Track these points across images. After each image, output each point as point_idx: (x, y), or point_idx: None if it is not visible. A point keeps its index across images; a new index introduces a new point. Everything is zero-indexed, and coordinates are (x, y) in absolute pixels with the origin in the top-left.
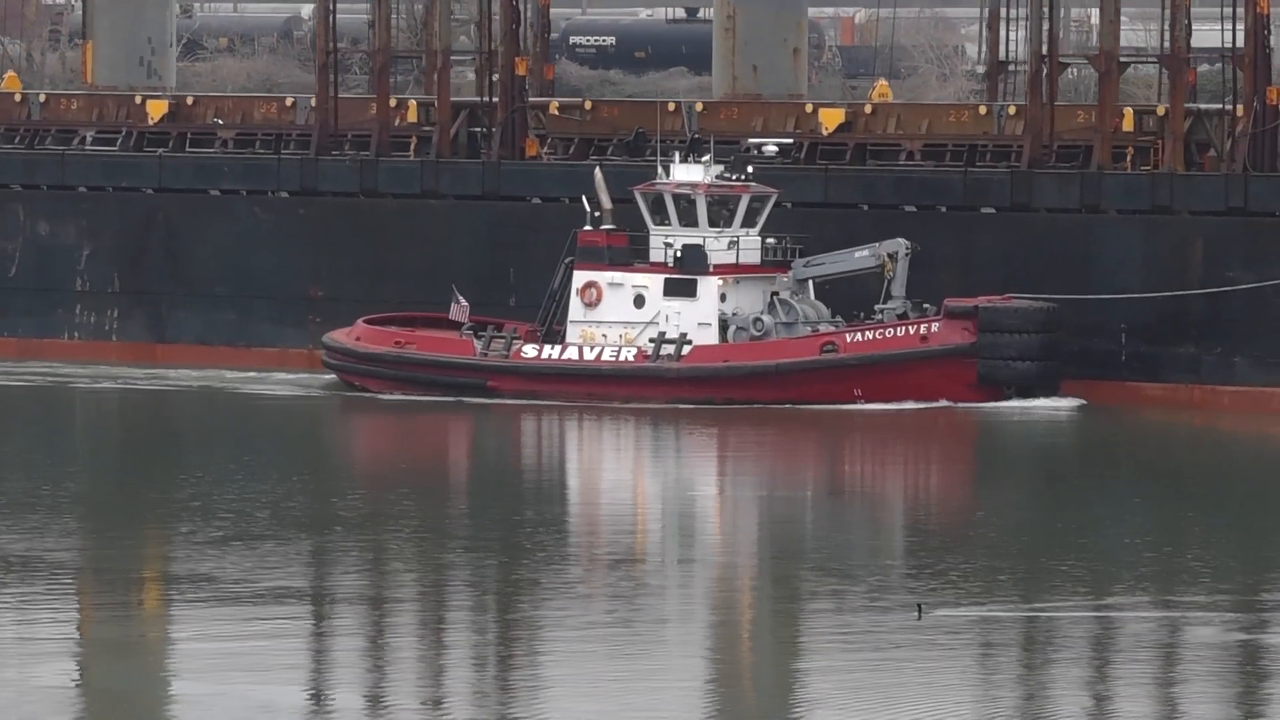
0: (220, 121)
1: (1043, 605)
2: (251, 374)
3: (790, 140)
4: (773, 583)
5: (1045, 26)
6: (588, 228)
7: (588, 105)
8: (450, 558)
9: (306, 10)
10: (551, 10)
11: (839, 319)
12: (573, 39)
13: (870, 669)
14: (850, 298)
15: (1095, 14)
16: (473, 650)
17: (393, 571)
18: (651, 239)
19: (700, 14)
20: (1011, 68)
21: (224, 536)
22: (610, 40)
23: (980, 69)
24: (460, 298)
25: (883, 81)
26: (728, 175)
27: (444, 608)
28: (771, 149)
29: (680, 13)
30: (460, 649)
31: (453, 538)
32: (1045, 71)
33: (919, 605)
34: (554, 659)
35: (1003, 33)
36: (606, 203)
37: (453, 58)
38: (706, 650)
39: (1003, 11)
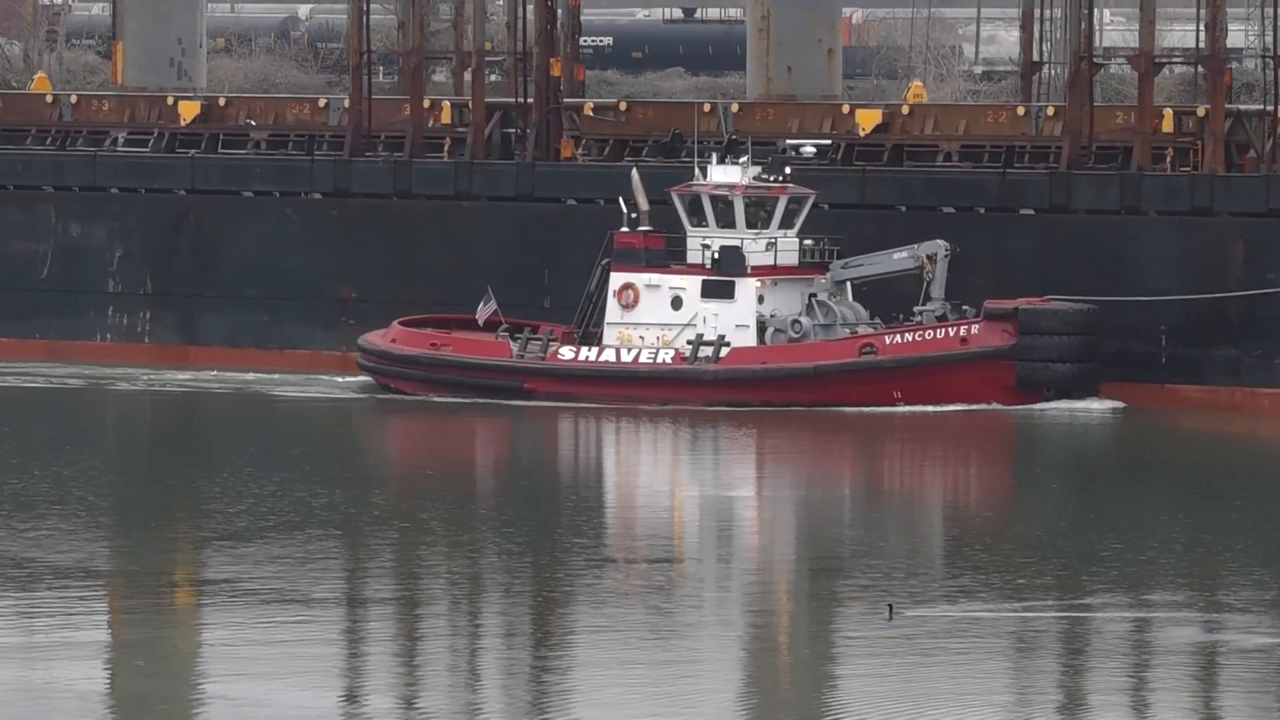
0: (253, 123)
1: (1070, 606)
2: (288, 376)
3: (828, 141)
4: (805, 588)
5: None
6: (624, 229)
7: (622, 106)
8: (485, 560)
9: (304, 10)
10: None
11: (877, 321)
12: None
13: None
14: (887, 299)
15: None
16: (506, 655)
17: (427, 574)
18: (689, 240)
19: (698, 14)
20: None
21: (268, 540)
22: (607, 40)
23: (978, 69)
24: (489, 298)
25: (917, 83)
26: (765, 176)
27: (478, 611)
28: (809, 150)
29: (677, 13)
30: (493, 653)
31: (488, 540)
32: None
33: (890, 606)
34: (586, 664)
35: (1035, 33)
36: (644, 204)
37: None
38: (740, 657)
39: (1036, 12)
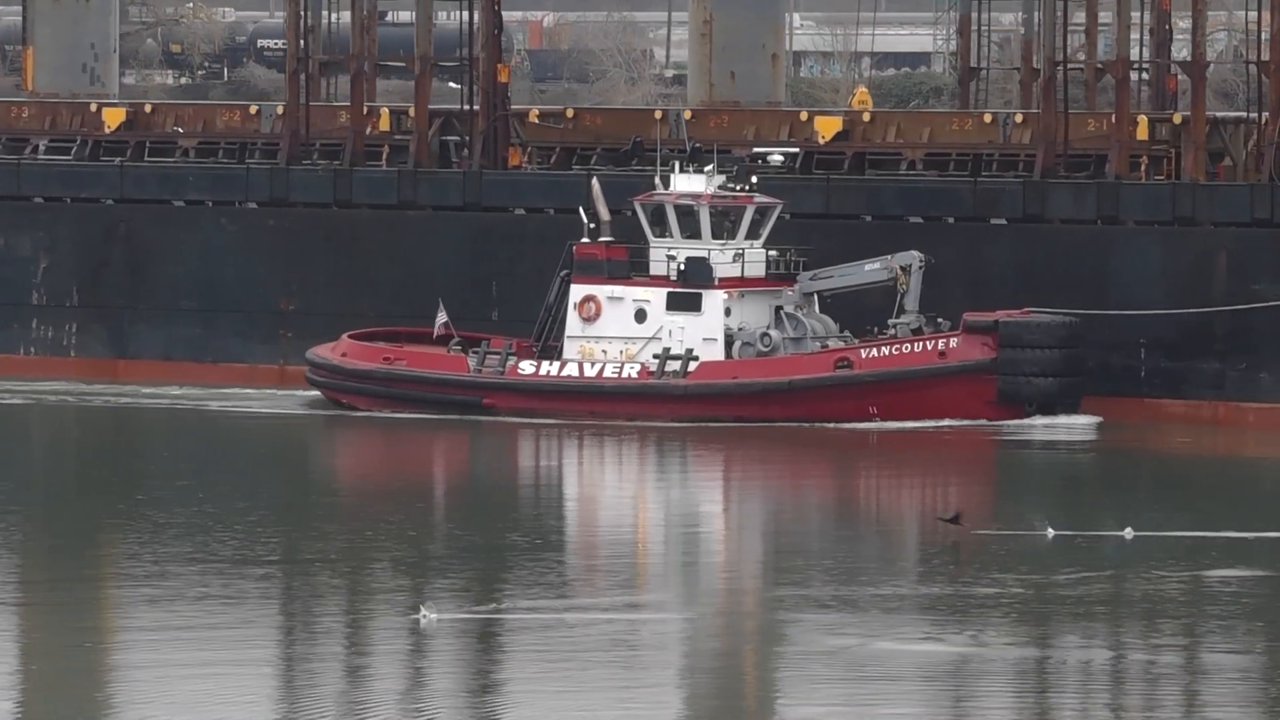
0: (181, 130)
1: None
2: (232, 390)
3: (796, 149)
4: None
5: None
6: (584, 239)
7: (569, 113)
8: (436, 582)
9: None
10: (238, 14)
11: (846, 333)
12: (261, 42)
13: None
14: (854, 312)
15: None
16: (453, 680)
17: (369, 596)
18: (652, 251)
19: (390, 17)
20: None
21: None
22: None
23: (669, 73)
24: (442, 310)
25: (862, 89)
26: (731, 186)
27: (419, 636)
28: (776, 158)
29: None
30: (438, 679)
31: (441, 562)
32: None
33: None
34: (531, 692)
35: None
36: (604, 214)
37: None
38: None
39: (974, 16)
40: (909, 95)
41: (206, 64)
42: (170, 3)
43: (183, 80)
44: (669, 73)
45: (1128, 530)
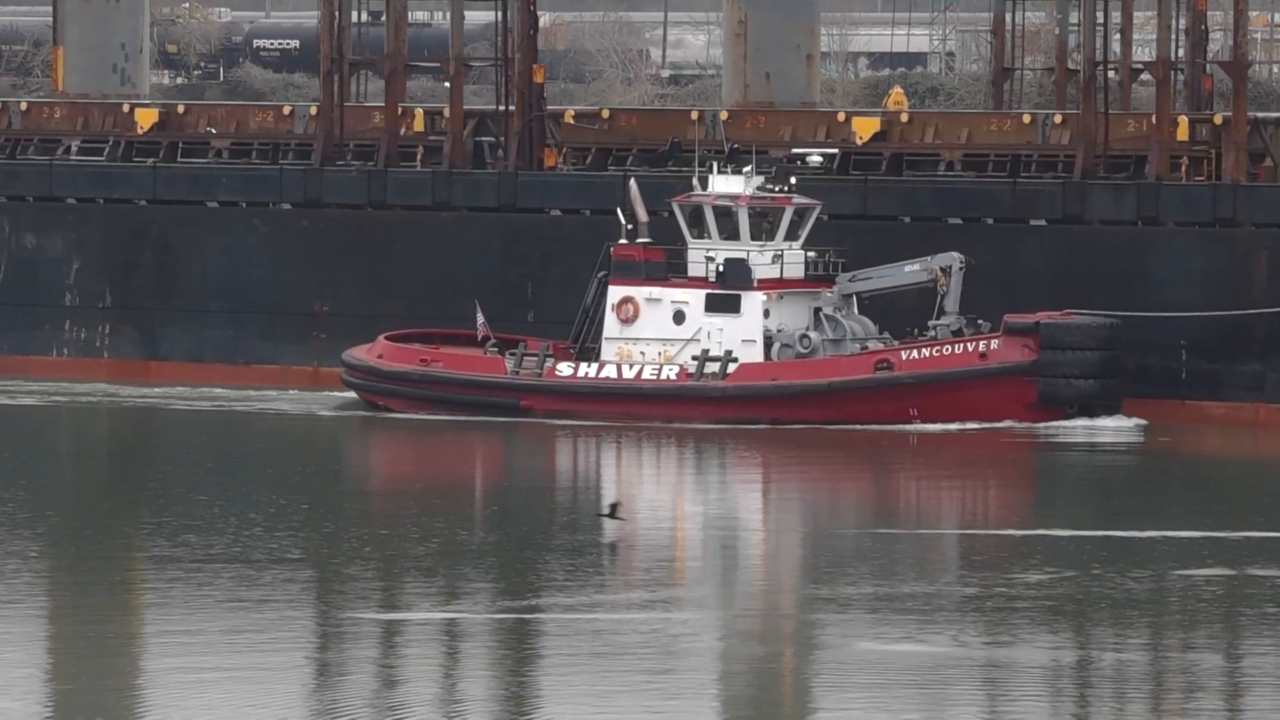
0: (213, 130)
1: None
2: (265, 391)
3: (835, 150)
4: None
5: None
6: (622, 241)
7: (605, 114)
8: (473, 585)
9: None
10: (234, 14)
11: (886, 335)
12: (256, 42)
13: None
14: (891, 313)
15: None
16: (480, 687)
17: (407, 595)
18: (690, 253)
19: (384, 18)
20: (1018, 73)
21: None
22: (294, 44)
23: (665, 73)
24: (479, 312)
25: (898, 89)
26: (770, 187)
27: (456, 639)
28: (816, 159)
29: (365, 16)
30: (469, 683)
31: (477, 564)
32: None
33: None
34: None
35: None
36: (642, 215)
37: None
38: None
39: (1007, 18)
40: (905, 95)
41: (202, 64)
42: (166, 3)
43: (179, 80)
44: (665, 73)
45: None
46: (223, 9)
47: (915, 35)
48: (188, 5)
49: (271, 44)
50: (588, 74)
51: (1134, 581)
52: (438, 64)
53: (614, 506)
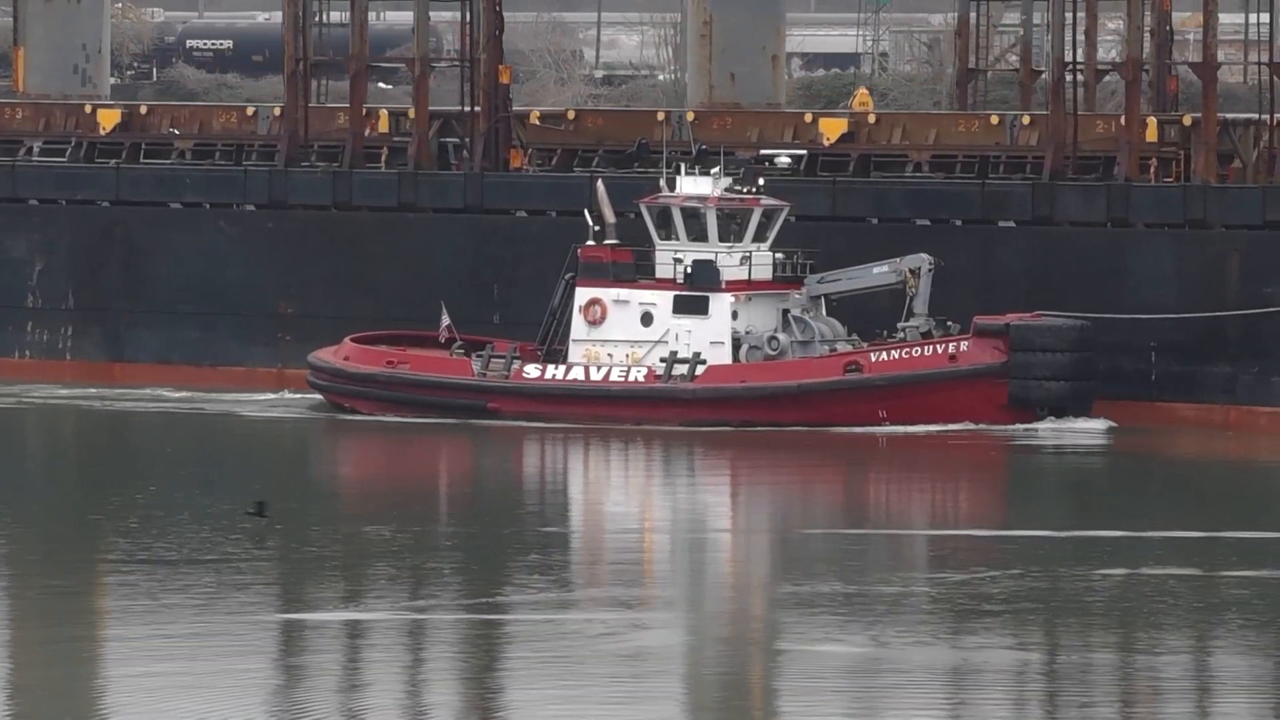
0: (176, 131)
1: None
2: (231, 393)
3: (804, 151)
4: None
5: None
6: (589, 242)
7: (570, 115)
8: (435, 591)
9: None
10: (166, 14)
11: (854, 337)
12: (190, 42)
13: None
14: (860, 315)
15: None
16: (444, 689)
17: (369, 601)
18: (658, 254)
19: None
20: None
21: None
22: (228, 44)
23: (599, 73)
24: (445, 314)
25: (863, 90)
26: (738, 188)
27: (420, 651)
28: (784, 160)
29: (329, 17)
30: (432, 685)
31: (441, 569)
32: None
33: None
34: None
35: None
36: (609, 216)
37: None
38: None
39: (972, 18)
40: (838, 96)
41: (135, 64)
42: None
43: (111, 80)
44: (599, 73)
45: None
46: (155, 9)
47: (847, 36)
48: (120, 5)
49: (205, 44)
50: (521, 74)
51: (1102, 581)
52: (401, 64)
53: (260, 505)
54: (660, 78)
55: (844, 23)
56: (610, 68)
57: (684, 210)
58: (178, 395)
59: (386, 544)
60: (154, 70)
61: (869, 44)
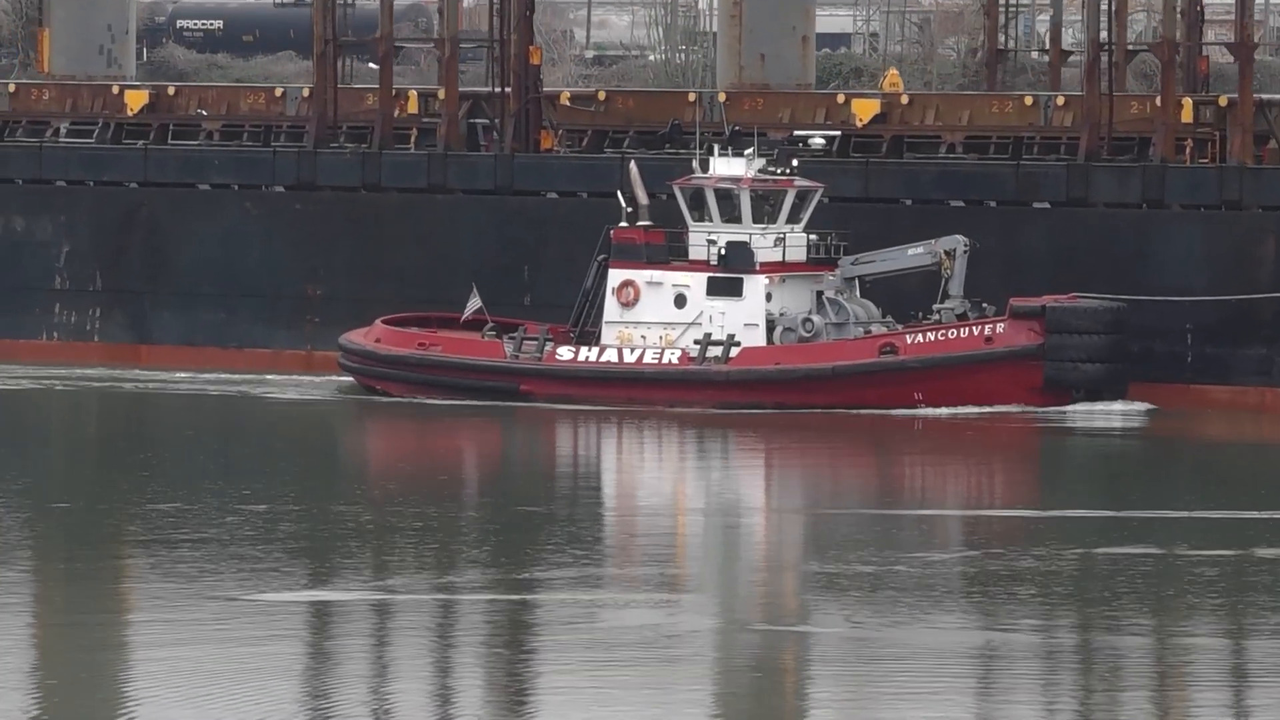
0: (204, 113)
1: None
2: (259, 375)
3: (837, 132)
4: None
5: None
6: (622, 224)
7: (601, 96)
8: (467, 576)
9: None
10: None
11: (889, 319)
12: (180, 22)
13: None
14: (892, 297)
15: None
16: (478, 681)
17: (402, 586)
18: (691, 236)
19: None
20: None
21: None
22: (218, 24)
23: (590, 54)
24: (475, 295)
25: (893, 70)
26: (771, 169)
27: (449, 634)
28: (818, 141)
29: None
30: (465, 678)
31: (473, 553)
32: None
33: None
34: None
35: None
36: (643, 198)
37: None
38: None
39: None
40: (829, 76)
41: None
42: None
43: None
44: (590, 54)
45: None
46: None
47: (838, 16)
48: None
49: (195, 24)
50: None
51: (1137, 562)
52: (431, 42)
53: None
54: (651, 58)
55: (835, 2)
56: (601, 48)
57: (718, 191)
58: (208, 377)
59: (421, 525)
60: (144, 50)
61: (859, 24)
